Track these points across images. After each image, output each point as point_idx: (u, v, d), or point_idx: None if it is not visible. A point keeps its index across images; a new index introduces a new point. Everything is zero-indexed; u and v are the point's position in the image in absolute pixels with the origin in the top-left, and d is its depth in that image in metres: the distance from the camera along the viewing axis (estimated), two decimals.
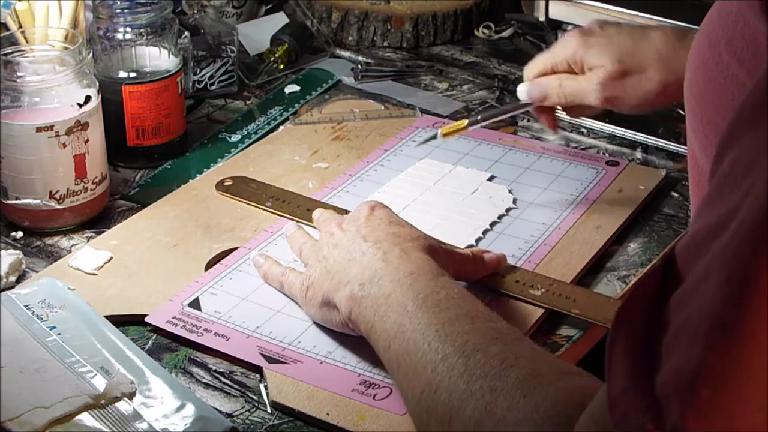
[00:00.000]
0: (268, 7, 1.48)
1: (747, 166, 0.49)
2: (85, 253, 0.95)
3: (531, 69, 1.05)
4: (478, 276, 0.90)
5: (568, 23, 1.23)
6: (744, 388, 0.46)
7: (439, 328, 0.71)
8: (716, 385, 0.46)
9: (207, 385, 0.82)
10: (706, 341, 0.46)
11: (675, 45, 0.99)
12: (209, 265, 0.95)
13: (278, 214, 1.02)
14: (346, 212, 0.99)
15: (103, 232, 1.01)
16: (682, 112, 0.98)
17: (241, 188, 1.06)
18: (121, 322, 0.87)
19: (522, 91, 1.04)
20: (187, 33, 1.23)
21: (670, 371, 0.48)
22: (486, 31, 1.48)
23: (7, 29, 1.07)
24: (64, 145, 0.98)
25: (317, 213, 0.98)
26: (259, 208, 1.03)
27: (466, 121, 1.03)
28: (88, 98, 1.00)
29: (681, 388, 0.47)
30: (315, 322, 0.86)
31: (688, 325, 0.48)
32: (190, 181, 1.10)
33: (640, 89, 0.99)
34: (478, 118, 1.04)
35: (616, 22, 1.05)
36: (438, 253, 0.83)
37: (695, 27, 0.66)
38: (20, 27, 1.06)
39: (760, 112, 0.49)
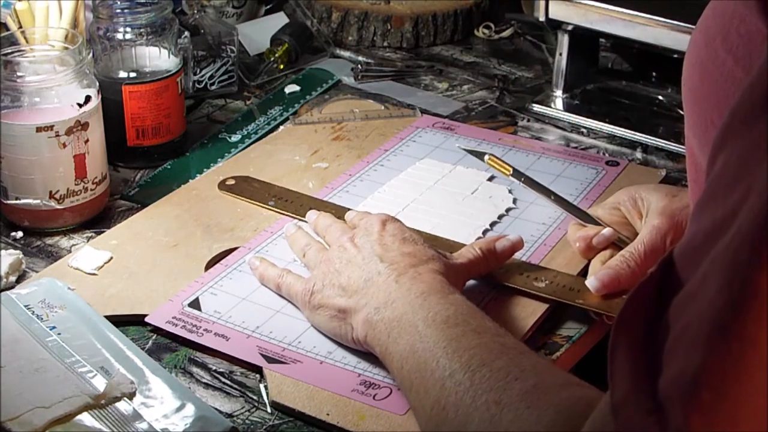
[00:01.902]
0: (268, 7, 1.48)
1: (739, 168, 0.49)
2: (85, 253, 0.95)
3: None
4: (493, 268, 0.90)
5: (569, 23, 1.23)
6: (746, 391, 0.46)
7: (446, 344, 0.72)
8: (718, 387, 0.46)
9: (207, 385, 0.82)
10: (707, 345, 0.47)
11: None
12: (209, 265, 0.95)
13: (281, 213, 1.02)
14: (347, 210, 0.99)
15: (103, 232, 1.01)
16: (681, 112, 0.98)
17: (244, 187, 1.06)
18: (121, 322, 0.87)
19: (592, 285, 0.88)
20: (187, 33, 1.22)
21: (673, 375, 0.48)
22: (486, 31, 1.48)
23: (7, 29, 1.07)
24: (64, 145, 0.98)
25: (312, 215, 0.98)
26: (262, 207, 1.03)
27: None
28: (88, 98, 1.00)
29: (683, 391, 0.47)
30: None
31: (689, 329, 0.49)
32: (190, 181, 1.10)
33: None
34: None
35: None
36: (449, 270, 0.84)
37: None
38: (20, 27, 1.06)
39: (752, 114, 0.49)
